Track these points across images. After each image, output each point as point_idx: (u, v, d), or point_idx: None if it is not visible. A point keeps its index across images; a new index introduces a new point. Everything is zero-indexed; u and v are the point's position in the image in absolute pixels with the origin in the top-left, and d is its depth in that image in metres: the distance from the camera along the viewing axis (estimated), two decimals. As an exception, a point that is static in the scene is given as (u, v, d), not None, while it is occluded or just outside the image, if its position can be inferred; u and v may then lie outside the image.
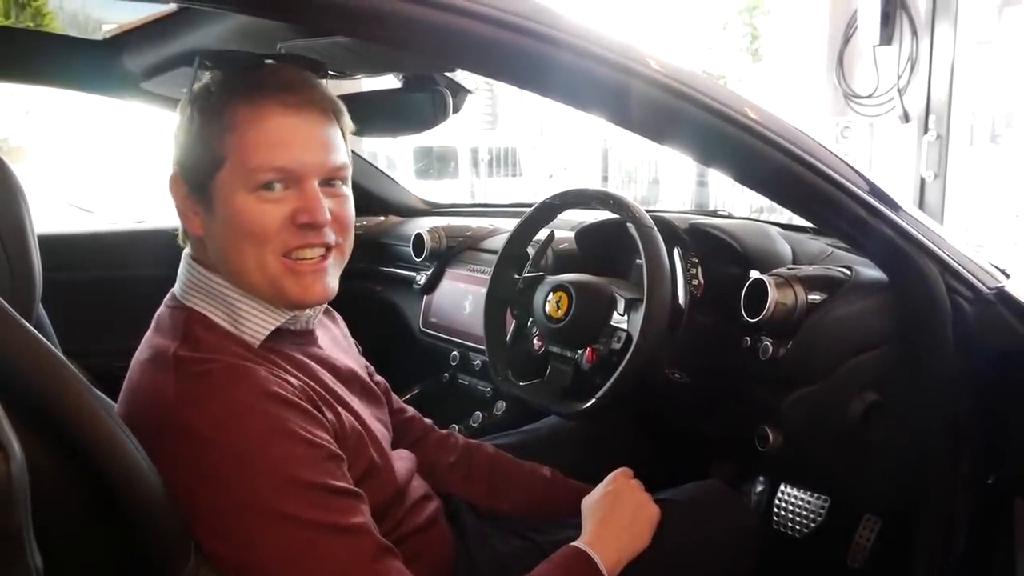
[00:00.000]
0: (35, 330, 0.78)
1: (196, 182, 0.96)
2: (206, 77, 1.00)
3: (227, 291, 0.98)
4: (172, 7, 1.32)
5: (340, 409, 1.01)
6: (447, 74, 1.41)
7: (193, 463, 0.86)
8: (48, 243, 1.04)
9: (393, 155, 7.48)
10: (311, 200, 0.95)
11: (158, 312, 1.03)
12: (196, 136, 0.95)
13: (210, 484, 0.86)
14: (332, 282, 1.01)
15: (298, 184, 0.95)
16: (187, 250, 1.03)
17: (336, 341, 1.19)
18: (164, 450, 0.85)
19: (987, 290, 1.23)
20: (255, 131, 0.93)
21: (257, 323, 0.99)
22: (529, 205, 1.64)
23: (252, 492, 0.86)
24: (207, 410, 0.87)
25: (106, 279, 2.11)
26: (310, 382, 0.98)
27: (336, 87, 1.10)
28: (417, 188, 2.67)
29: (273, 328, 1.00)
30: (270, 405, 0.89)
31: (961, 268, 1.22)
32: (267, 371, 0.92)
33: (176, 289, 1.02)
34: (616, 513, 1.19)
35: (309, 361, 1.04)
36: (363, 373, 1.19)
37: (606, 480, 1.26)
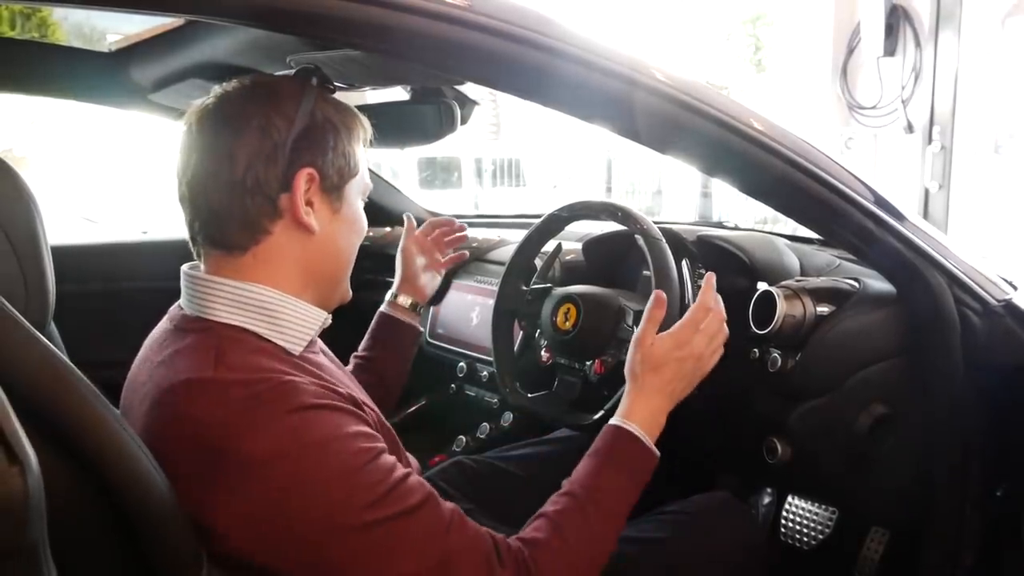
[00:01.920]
0: (49, 343, 0.79)
1: (334, 183, 1.02)
2: (229, 87, 1.00)
3: (267, 297, 0.97)
4: (180, 19, 1.32)
5: (372, 412, 1.02)
6: (455, 86, 1.41)
7: (255, 487, 0.85)
8: (57, 254, 1.04)
9: (397, 165, 7.49)
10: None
11: (171, 334, 0.99)
12: (339, 140, 1.02)
13: (275, 505, 0.85)
14: None
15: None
16: (198, 271, 1.00)
17: (325, 349, 1.18)
18: (221, 478, 0.84)
19: (995, 302, 1.23)
20: (363, 152, 1.07)
21: (300, 326, 1.00)
22: (535, 216, 1.65)
23: (318, 503, 0.86)
24: (261, 433, 0.85)
25: (113, 291, 2.12)
26: (346, 391, 0.97)
27: (343, 99, 1.10)
28: (421, 198, 2.68)
29: (316, 329, 1.03)
30: (323, 415, 0.89)
31: (969, 280, 1.23)
32: (311, 381, 0.91)
33: (192, 309, 0.98)
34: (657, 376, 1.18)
35: (331, 367, 1.06)
36: None
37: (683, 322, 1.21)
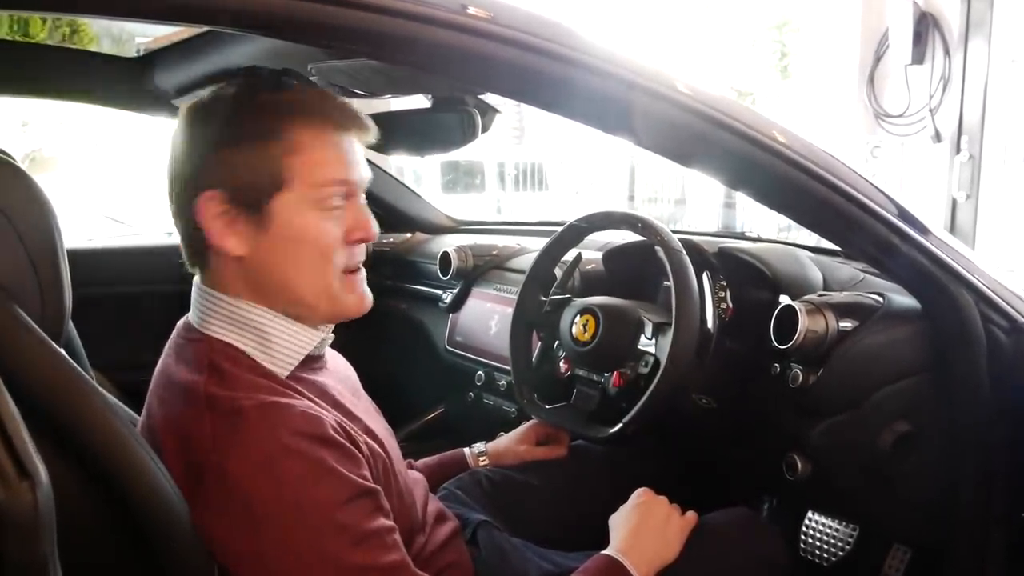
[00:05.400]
0: (64, 352, 0.79)
1: (249, 202, 0.94)
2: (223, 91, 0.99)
3: (257, 317, 0.97)
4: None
5: (365, 437, 1.01)
6: (476, 95, 1.41)
7: (233, 506, 0.86)
8: (76, 258, 1.05)
9: (420, 169, 7.51)
10: (365, 215, 1.01)
11: (175, 343, 1.02)
12: (249, 156, 0.94)
13: (250, 528, 0.86)
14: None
15: (349, 199, 0.99)
16: (198, 279, 1.02)
17: (334, 360, 1.17)
18: (203, 492, 0.85)
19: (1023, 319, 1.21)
20: (321, 151, 0.96)
21: (289, 349, 0.98)
22: (556, 223, 1.64)
23: (293, 535, 0.86)
24: (244, 454, 0.86)
25: (133, 293, 2.13)
26: (338, 414, 0.97)
27: (365, 106, 1.10)
28: (444, 202, 2.68)
29: (305, 353, 1.00)
30: (307, 445, 0.88)
31: (996, 296, 1.20)
32: (301, 407, 0.91)
33: (193, 319, 1.00)
34: (646, 522, 1.21)
35: (328, 383, 1.05)
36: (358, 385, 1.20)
37: (633, 495, 1.27)
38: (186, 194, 0.95)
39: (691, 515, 1.27)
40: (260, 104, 0.97)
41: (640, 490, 1.28)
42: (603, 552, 1.15)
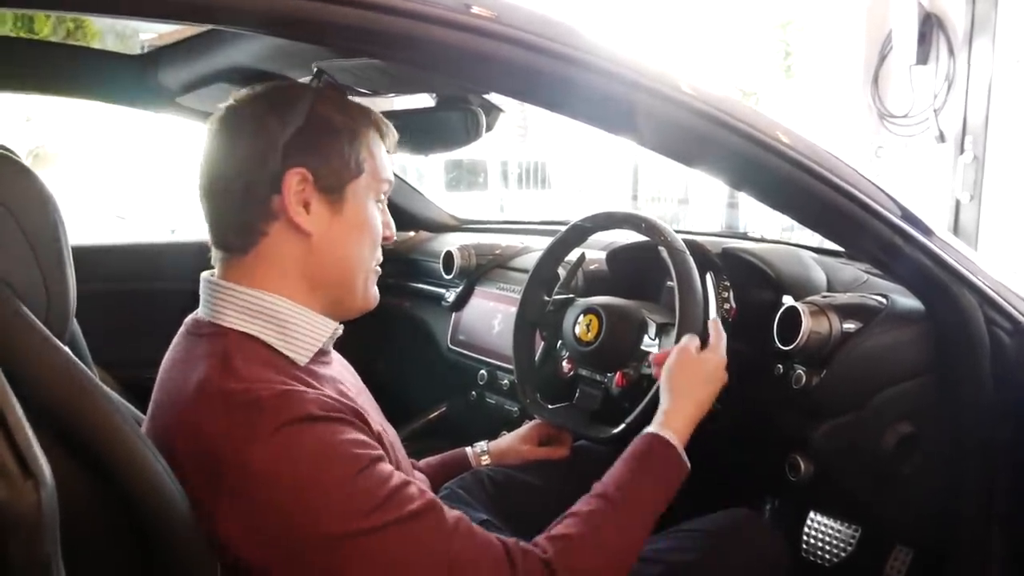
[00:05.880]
0: (69, 350, 0.79)
1: (332, 183, 1.00)
2: (240, 93, 1.02)
3: (274, 305, 0.98)
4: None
5: (380, 429, 1.01)
6: (481, 94, 1.41)
7: (259, 500, 0.86)
8: (80, 255, 1.05)
9: (423, 168, 7.51)
10: (389, 217, 1.10)
11: (184, 339, 1.02)
12: (338, 144, 1.01)
13: (280, 518, 0.86)
14: None
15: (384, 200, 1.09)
16: (212, 276, 1.02)
17: (338, 358, 1.17)
18: (222, 489, 0.85)
19: (1027, 322, 1.21)
20: (380, 150, 1.07)
21: (308, 336, 1.00)
22: (560, 222, 1.64)
23: (320, 515, 0.86)
24: (264, 444, 0.86)
25: (138, 291, 2.13)
26: (347, 402, 0.97)
27: (369, 104, 1.10)
28: (447, 200, 2.67)
29: (322, 342, 1.02)
30: (319, 425, 0.89)
31: (1000, 298, 1.21)
32: (315, 394, 0.92)
33: (207, 314, 1.00)
34: (693, 384, 1.25)
35: (337, 377, 1.05)
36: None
37: (682, 345, 1.28)
38: (264, 168, 0.97)
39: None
40: (344, 100, 1.06)
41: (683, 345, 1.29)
42: (646, 431, 1.18)
